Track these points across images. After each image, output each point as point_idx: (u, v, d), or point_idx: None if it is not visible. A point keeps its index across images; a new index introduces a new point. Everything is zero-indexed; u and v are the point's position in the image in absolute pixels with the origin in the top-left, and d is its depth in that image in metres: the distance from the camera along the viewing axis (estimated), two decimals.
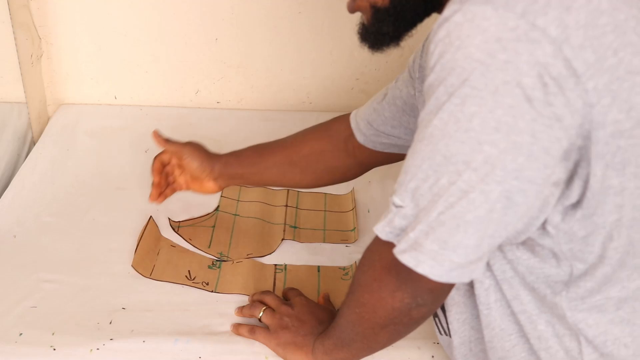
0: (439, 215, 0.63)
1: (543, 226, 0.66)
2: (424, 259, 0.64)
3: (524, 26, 0.57)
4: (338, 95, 1.57)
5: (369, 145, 1.03)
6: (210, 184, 1.12)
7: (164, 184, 1.13)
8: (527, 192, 0.61)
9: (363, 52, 1.49)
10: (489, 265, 0.74)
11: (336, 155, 1.07)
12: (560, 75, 0.57)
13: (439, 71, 0.61)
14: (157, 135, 1.12)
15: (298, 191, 1.29)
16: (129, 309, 1.00)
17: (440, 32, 0.61)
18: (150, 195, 1.12)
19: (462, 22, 0.59)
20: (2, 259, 1.09)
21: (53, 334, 0.94)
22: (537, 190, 0.61)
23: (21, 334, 0.94)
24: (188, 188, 1.15)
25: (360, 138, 1.03)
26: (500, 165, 0.60)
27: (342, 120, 1.07)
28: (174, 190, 1.15)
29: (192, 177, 1.13)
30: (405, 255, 0.66)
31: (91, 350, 0.92)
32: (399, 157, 1.02)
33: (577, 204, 0.64)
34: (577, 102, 0.58)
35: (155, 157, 1.13)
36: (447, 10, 0.61)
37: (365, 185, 1.31)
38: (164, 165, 1.13)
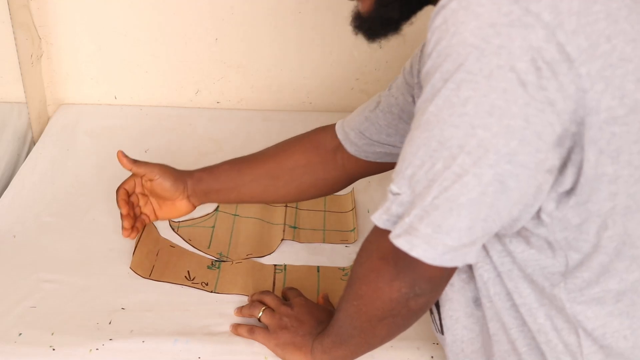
0: (433, 200, 0.63)
1: (538, 215, 0.67)
2: (418, 242, 0.65)
3: (517, 11, 0.58)
4: (338, 95, 1.57)
5: (361, 156, 1.01)
6: (182, 204, 1.07)
7: (132, 216, 1.06)
8: (520, 177, 0.62)
9: (363, 52, 1.51)
10: (488, 257, 0.74)
11: (323, 167, 1.04)
12: (554, 59, 0.58)
13: (435, 58, 0.62)
14: (122, 156, 1.04)
15: None
16: (129, 309, 1.00)
17: (436, 19, 0.62)
18: (123, 230, 1.05)
19: (457, 9, 0.60)
20: (2, 259, 1.09)
21: (53, 334, 0.94)
22: (529, 175, 0.62)
23: (21, 334, 0.94)
24: (157, 218, 1.09)
25: (350, 148, 1.01)
26: (493, 149, 0.60)
27: (327, 131, 1.05)
28: (143, 223, 1.09)
29: (161, 201, 1.07)
30: (400, 240, 0.66)
31: (91, 350, 0.92)
32: (391, 166, 1.00)
33: (570, 191, 0.64)
34: (570, 87, 0.58)
35: (119, 187, 1.06)
36: None
37: (365, 186, 1.31)
38: (129, 195, 1.07)
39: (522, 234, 0.70)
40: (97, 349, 0.92)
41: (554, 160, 0.62)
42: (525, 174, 0.62)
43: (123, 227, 1.05)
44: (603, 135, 0.61)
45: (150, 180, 1.05)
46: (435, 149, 0.63)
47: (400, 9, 0.76)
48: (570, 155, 0.63)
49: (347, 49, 1.50)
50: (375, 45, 1.50)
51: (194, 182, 1.06)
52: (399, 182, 0.66)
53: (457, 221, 0.63)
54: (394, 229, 0.68)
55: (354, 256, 1.12)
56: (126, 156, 1.05)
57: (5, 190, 1.27)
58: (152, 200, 1.09)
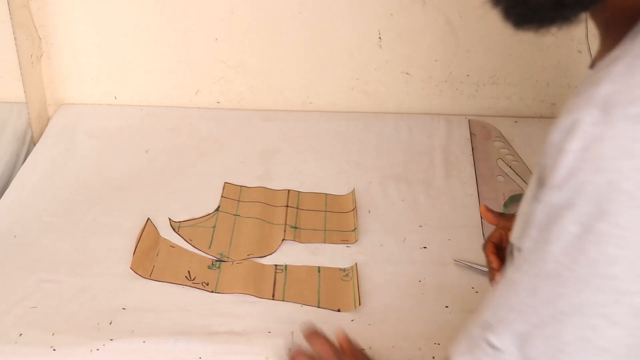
0: None
1: None
2: None
3: None
4: (338, 95, 1.57)
5: None
6: None
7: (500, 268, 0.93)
8: None
9: (363, 52, 1.50)
10: None
11: None
12: None
13: (568, 192, 0.50)
14: (486, 211, 0.93)
15: (299, 191, 1.29)
16: (129, 310, 1.00)
17: (573, 141, 0.49)
18: (492, 282, 0.92)
19: (601, 137, 0.48)
20: (2, 259, 1.09)
21: (53, 334, 0.94)
22: None
23: (21, 334, 0.94)
24: None
25: None
26: None
27: None
28: None
29: None
30: None
31: (91, 350, 0.92)
32: None
33: None
34: None
35: (486, 241, 0.94)
36: (582, 112, 0.49)
37: (366, 186, 1.31)
38: (496, 247, 0.93)
39: None
40: (97, 349, 0.92)
41: None
42: None
43: (492, 280, 0.92)
44: None
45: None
46: (564, 312, 0.51)
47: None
48: None
49: (347, 49, 1.50)
50: (375, 45, 1.50)
51: None
52: (501, 334, 0.55)
53: None
54: None
55: (354, 256, 1.13)
56: (490, 210, 0.93)
57: (5, 190, 1.27)
58: None
